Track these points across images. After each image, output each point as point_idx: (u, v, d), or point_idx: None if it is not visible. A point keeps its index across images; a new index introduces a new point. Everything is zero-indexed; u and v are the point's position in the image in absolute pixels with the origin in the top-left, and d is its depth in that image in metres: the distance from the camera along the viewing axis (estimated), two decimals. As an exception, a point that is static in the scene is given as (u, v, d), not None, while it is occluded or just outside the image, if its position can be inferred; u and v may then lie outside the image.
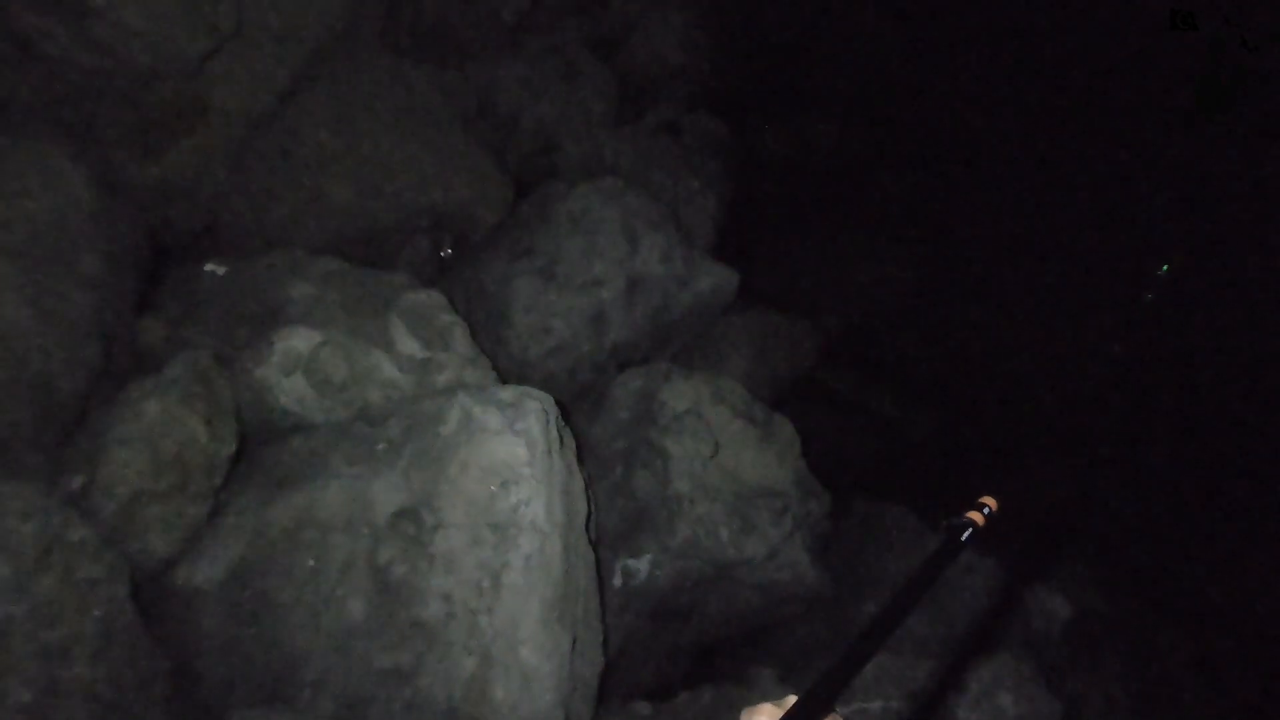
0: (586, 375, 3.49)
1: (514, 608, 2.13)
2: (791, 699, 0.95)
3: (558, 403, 2.66)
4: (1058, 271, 4.92)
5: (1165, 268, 4.72)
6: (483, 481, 2.21)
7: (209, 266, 3.25)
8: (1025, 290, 4.96)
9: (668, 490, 3.04)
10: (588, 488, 2.75)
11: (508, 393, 2.37)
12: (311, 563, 2.26)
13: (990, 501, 1.06)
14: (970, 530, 1.02)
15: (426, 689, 2.10)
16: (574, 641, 2.30)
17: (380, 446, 2.45)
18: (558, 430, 2.50)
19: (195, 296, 3.17)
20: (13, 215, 2.42)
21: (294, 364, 2.56)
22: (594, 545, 2.78)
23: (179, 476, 2.20)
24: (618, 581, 3.03)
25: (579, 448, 3.02)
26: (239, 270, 3.22)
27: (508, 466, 2.21)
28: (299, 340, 2.57)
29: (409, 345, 2.77)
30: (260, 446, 2.56)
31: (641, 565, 3.00)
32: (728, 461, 3.18)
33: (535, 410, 2.33)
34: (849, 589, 3.35)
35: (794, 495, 3.22)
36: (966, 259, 5.16)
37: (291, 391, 2.57)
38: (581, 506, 2.61)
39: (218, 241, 3.58)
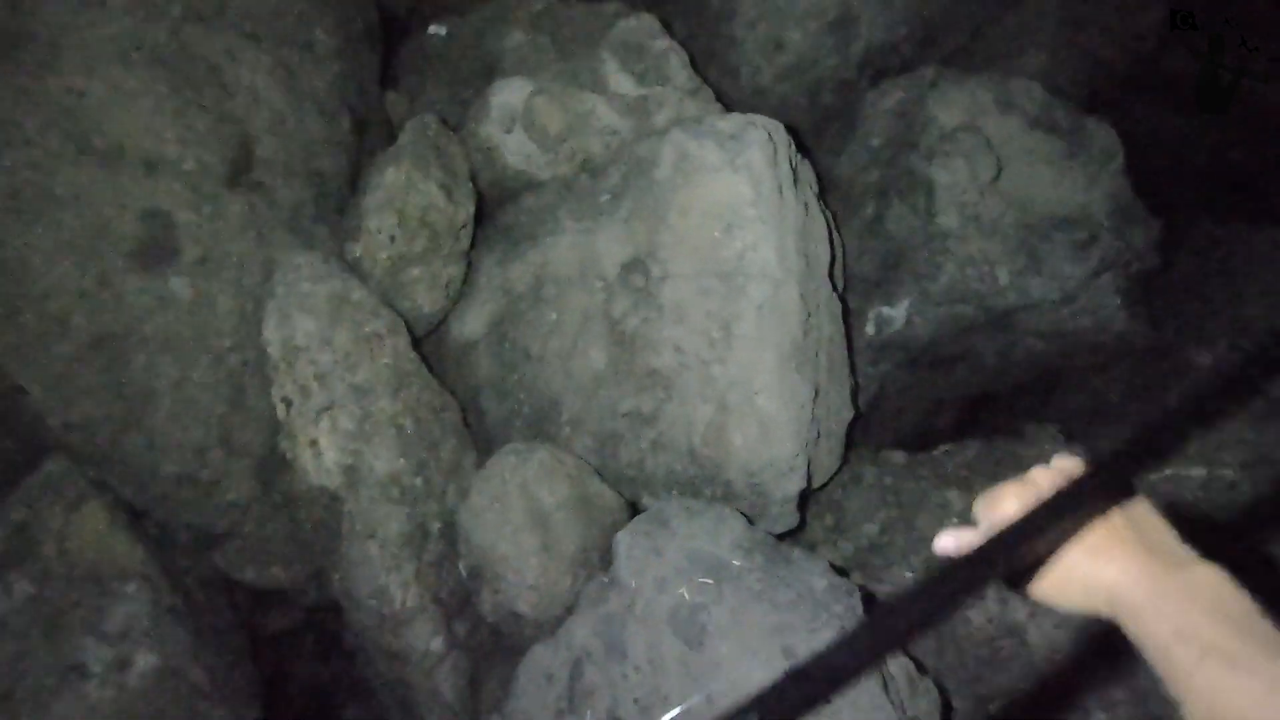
0: (831, 97, 2.94)
1: (747, 358, 2.02)
2: (1058, 469, 0.69)
3: (792, 131, 2.27)
4: None
5: None
6: (705, 227, 2.01)
7: (431, 29, 3.20)
8: None
9: (930, 226, 2.57)
10: (832, 229, 2.43)
11: (728, 123, 2.05)
12: (554, 316, 2.35)
13: None
14: None
15: (668, 431, 2.16)
16: (816, 392, 2.16)
17: (604, 198, 2.35)
18: (790, 164, 2.15)
19: (426, 63, 3.19)
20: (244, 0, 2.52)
21: (512, 118, 2.48)
22: (841, 292, 2.51)
23: (429, 240, 2.34)
24: (870, 330, 2.76)
25: (822, 184, 2.64)
26: (458, 28, 3.13)
27: (729, 208, 1.97)
28: (512, 93, 2.46)
29: (623, 83, 2.51)
30: (497, 207, 2.63)
31: (898, 313, 2.68)
32: (1014, 186, 2.56)
33: (759, 141, 1.99)
34: (1173, 336, 2.70)
35: (1106, 223, 2.53)
36: None
37: (515, 148, 2.52)
38: (823, 250, 2.32)
39: (441, 2, 3.50)
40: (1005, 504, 0.68)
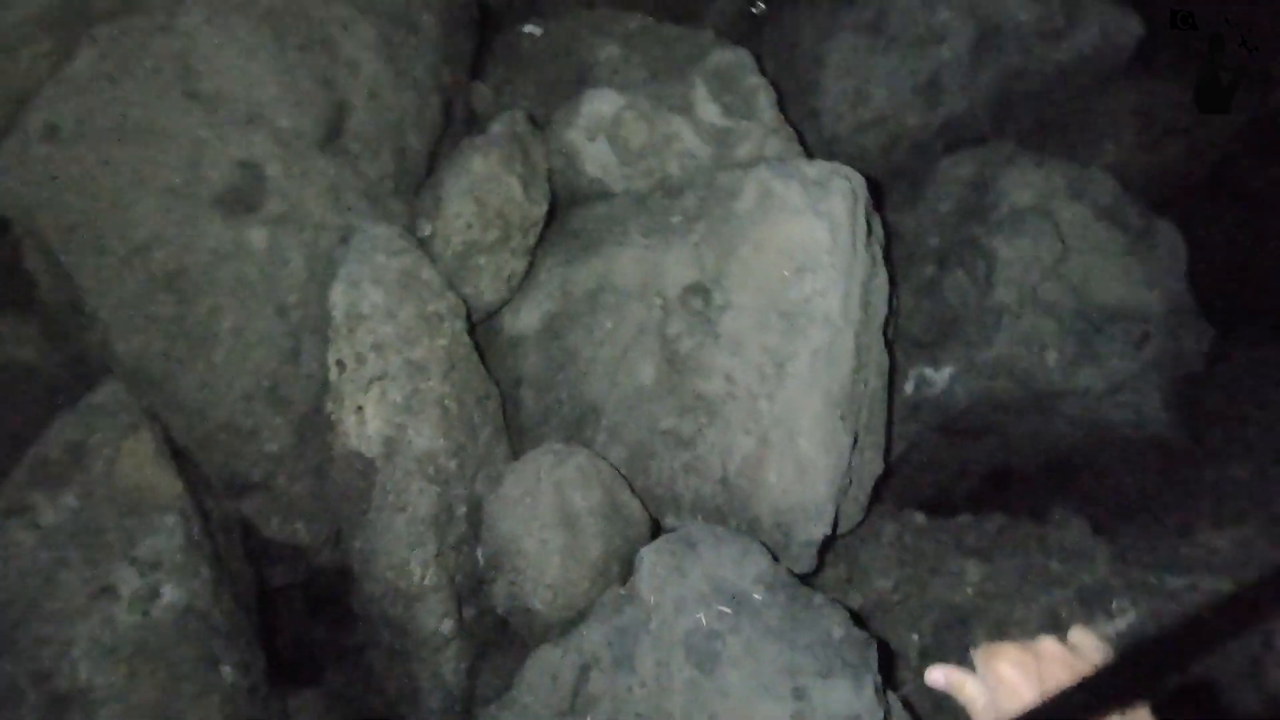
0: (905, 155, 2.99)
1: (795, 398, 2.05)
2: (1070, 648, 0.66)
3: (872, 185, 2.32)
4: None
5: None
6: (776, 265, 2.05)
7: (527, 28, 3.29)
8: None
9: (987, 298, 2.60)
10: (892, 285, 2.46)
11: (814, 168, 2.10)
12: (609, 325, 2.40)
13: None
14: None
15: (704, 457, 2.19)
16: (855, 442, 2.19)
17: (675, 219, 2.39)
18: (867, 217, 2.19)
19: (516, 60, 3.27)
20: (367, -25, 2.60)
21: (598, 128, 2.54)
22: (890, 346, 2.55)
23: (502, 231, 2.39)
24: (909, 389, 2.79)
25: (886, 238, 2.68)
26: (553, 31, 3.21)
27: (805, 251, 2.01)
28: (604, 103, 2.52)
29: (710, 111, 2.57)
30: (568, 210, 2.68)
31: (940, 377, 2.71)
32: (1076, 272, 2.59)
33: (843, 190, 2.04)
34: (1212, 446, 2.71)
35: (1161, 323, 2.56)
36: None
37: (596, 157, 2.58)
38: (882, 305, 2.35)
39: (537, 2, 3.58)
40: (1006, 667, 0.66)
